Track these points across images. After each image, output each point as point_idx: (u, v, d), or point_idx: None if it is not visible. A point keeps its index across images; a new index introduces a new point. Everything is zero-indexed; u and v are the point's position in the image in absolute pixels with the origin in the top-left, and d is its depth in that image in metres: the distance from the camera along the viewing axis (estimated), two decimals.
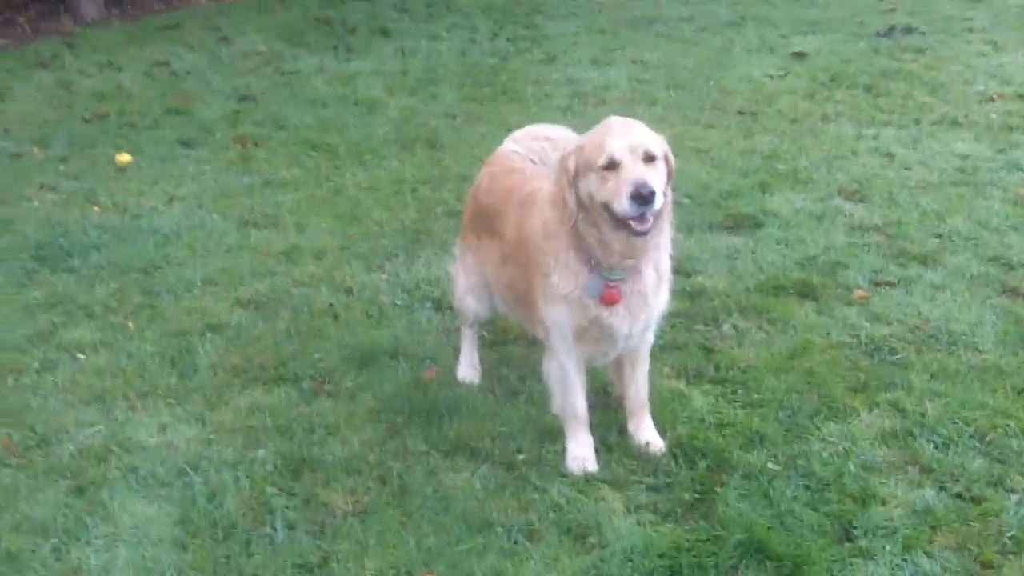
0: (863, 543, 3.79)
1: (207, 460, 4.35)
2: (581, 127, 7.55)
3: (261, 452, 4.40)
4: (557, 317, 4.15)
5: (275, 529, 3.93)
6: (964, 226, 6.37)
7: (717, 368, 4.98)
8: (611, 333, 4.13)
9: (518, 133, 5.01)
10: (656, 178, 3.84)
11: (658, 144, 3.94)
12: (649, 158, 3.87)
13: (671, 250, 4.22)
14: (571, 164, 3.96)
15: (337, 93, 9.77)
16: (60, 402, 4.82)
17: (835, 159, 7.64)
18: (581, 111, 8.99)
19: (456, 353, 5.06)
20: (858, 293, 5.63)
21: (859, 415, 4.56)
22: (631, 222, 3.82)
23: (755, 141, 8.16)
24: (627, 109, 9.03)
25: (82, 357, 5.21)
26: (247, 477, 4.23)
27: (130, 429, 4.58)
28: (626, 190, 3.76)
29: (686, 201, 6.93)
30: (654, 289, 4.13)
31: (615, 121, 3.98)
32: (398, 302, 5.70)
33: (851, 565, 3.69)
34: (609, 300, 4.05)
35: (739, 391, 4.80)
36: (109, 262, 6.25)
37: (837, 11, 12.61)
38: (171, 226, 6.76)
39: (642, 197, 3.74)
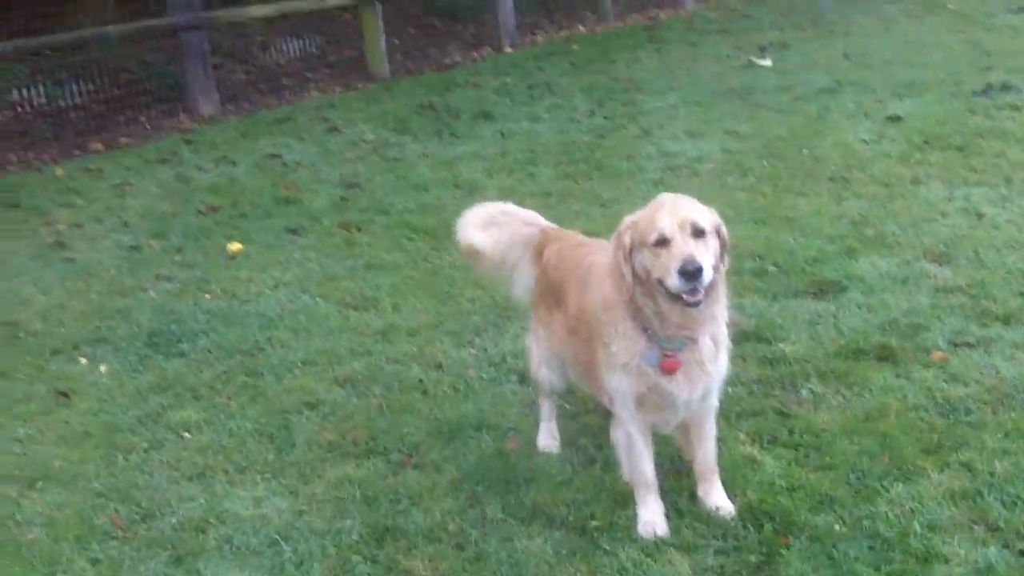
0: None
1: (297, 530, 4.61)
2: None
3: (348, 522, 4.64)
4: (619, 385, 4.34)
5: None
6: None
7: (791, 432, 5.09)
8: (672, 400, 4.30)
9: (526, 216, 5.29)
10: (705, 253, 4.03)
11: (708, 219, 4.12)
12: (698, 233, 4.06)
13: (727, 317, 4.38)
14: (627, 239, 4.17)
15: (439, 177, 10.14)
16: (165, 478, 5.15)
17: (923, 221, 7.68)
18: (673, 184, 9.16)
19: (537, 424, 5.26)
20: (937, 355, 5.67)
21: (929, 476, 4.61)
22: (683, 295, 4.00)
23: (845, 207, 8.24)
24: (718, 180, 9.24)
25: (187, 436, 5.55)
26: (334, 546, 4.48)
27: (228, 502, 4.88)
28: (675, 266, 3.96)
29: (772, 269, 7.07)
30: (711, 357, 4.29)
31: (666, 198, 4.19)
32: (484, 376, 5.95)
33: None
34: (668, 369, 4.23)
35: (812, 454, 4.89)
36: (216, 346, 6.62)
37: (935, 72, 12.60)
38: (275, 310, 7.13)
39: (689, 274, 3.94)
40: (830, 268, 6.98)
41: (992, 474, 4.55)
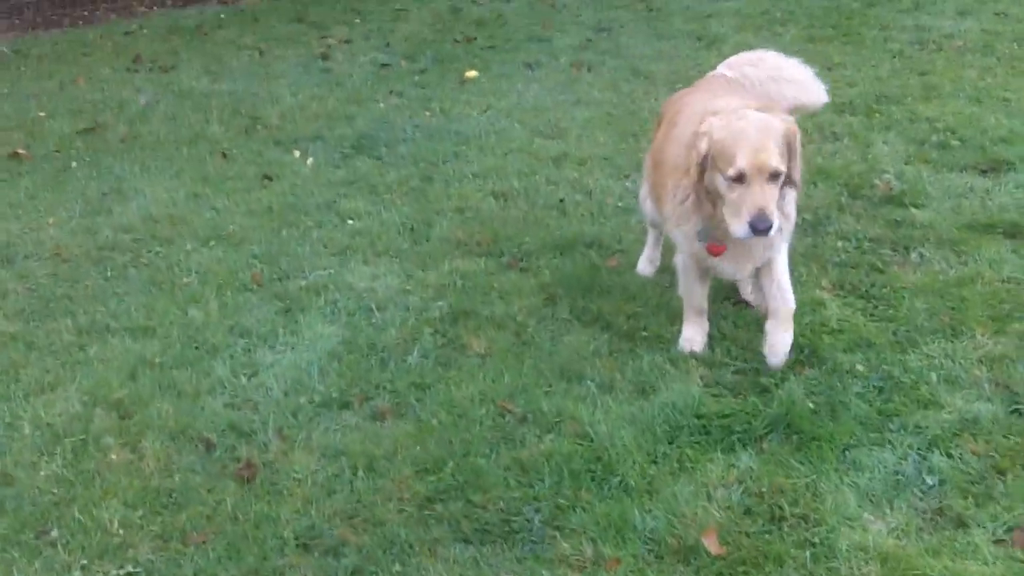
0: (890, 435, 4.08)
1: (394, 303, 5.32)
2: (905, 71, 7.81)
3: (439, 303, 5.30)
4: (676, 235, 4.67)
5: (412, 356, 4.83)
6: None
7: (872, 286, 5.23)
8: (719, 272, 4.65)
9: (732, 59, 5.49)
10: (775, 201, 4.12)
11: (783, 149, 4.16)
12: (774, 176, 4.15)
13: (797, 199, 4.55)
14: (703, 147, 4.24)
15: (687, 29, 10.38)
16: (312, 252, 5.97)
17: None
18: (912, 56, 9.03)
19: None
20: None
21: (976, 338, 4.70)
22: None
23: None
24: (959, 57, 8.97)
25: (349, 222, 6.34)
26: (415, 319, 5.15)
27: (350, 275, 5.64)
28: (746, 215, 4.08)
29: (955, 144, 6.99)
30: (763, 244, 4.40)
31: (752, 131, 4.16)
32: (620, 204, 6.37)
33: (865, 448, 4.00)
34: (713, 251, 4.50)
35: (880, 307, 5.05)
36: (410, 153, 7.38)
37: None
38: (474, 130, 7.78)
39: (757, 229, 4.08)
40: (1012, 149, 6.82)
41: None
